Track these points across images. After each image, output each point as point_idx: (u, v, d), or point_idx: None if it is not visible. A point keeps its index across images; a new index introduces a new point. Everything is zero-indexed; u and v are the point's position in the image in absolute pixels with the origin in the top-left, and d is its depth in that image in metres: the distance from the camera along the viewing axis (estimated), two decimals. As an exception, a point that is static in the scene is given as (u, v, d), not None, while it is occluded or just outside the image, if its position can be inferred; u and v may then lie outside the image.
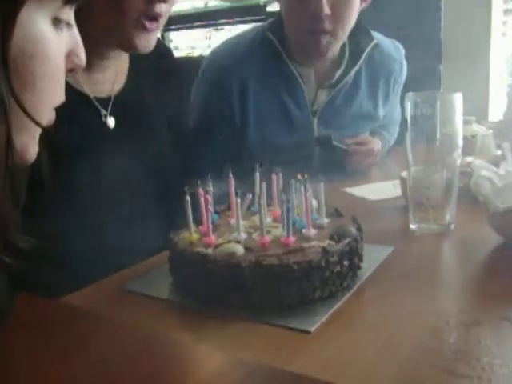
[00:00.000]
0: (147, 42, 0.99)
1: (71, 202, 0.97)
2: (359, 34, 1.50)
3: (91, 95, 1.03)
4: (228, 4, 3.18)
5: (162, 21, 1.01)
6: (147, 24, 0.96)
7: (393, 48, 1.60)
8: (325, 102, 1.48)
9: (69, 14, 0.53)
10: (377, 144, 1.52)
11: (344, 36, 1.43)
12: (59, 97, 0.54)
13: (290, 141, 1.45)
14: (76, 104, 0.99)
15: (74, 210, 0.98)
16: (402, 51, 1.62)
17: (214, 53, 1.52)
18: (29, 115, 0.48)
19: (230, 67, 1.43)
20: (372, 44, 1.50)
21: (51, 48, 0.50)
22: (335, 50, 1.45)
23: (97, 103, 1.03)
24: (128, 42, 0.98)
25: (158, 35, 1.05)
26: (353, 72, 1.48)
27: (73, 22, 0.54)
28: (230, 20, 3.15)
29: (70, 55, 0.54)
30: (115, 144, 1.03)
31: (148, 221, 1.09)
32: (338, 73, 1.48)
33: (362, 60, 1.49)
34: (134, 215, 1.06)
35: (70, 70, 0.55)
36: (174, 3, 1.01)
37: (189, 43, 3.85)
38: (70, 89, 0.97)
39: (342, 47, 1.49)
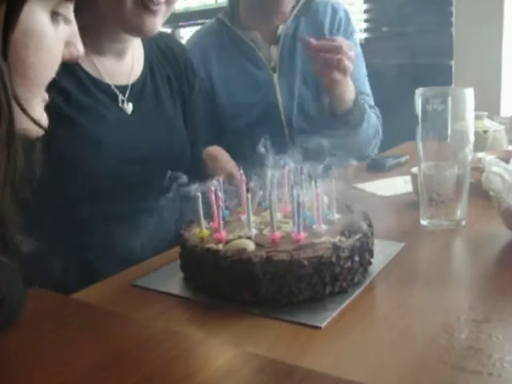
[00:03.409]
0: (152, 24, 1.00)
1: (85, 191, 0.98)
2: None
3: (111, 83, 1.05)
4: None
5: (168, 6, 1.02)
6: (150, 5, 0.97)
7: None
8: (278, 56, 1.60)
9: (67, 9, 0.56)
10: (344, 42, 1.39)
11: None
12: (49, 79, 0.57)
13: (256, 98, 1.57)
14: (95, 91, 1.01)
15: (87, 199, 0.98)
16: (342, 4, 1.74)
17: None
18: (21, 107, 0.51)
19: (192, 47, 1.61)
20: None
21: (47, 39, 0.53)
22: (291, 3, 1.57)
23: (115, 89, 1.05)
24: (132, 24, 0.99)
25: (169, 31, 1.06)
26: (289, 22, 1.59)
27: (71, 16, 0.58)
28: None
29: (68, 46, 0.58)
30: (132, 130, 1.04)
31: (161, 213, 1.09)
32: (282, 26, 1.59)
33: (296, 10, 1.60)
34: (146, 206, 1.07)
35: (69, 60, 0.59)
36: None
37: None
38: (89, 79, 1.00)
39: None
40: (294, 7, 1.60)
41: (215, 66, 1.60)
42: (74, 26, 0.59)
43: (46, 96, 0.58)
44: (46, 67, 0.55)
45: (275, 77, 1.59)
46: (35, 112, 0.56)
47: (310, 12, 1.63)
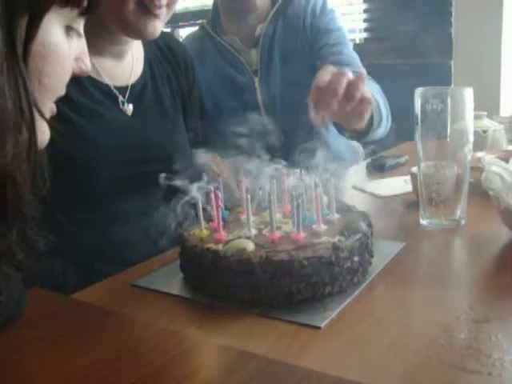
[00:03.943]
0: (153, 27, 1.00)
1: (85, 192, 0.98)
2: None
3: (110, 84, 1.05)
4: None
5: (168, 9, 1.02)
6: (152, 9, 0.97)
7: None
8: (258, 59, 1.61)
9: (80, 24, 0.59)
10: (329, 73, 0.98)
11: None
12: (60, 92, 0.59)
13: (239, 103, 1.58)
14: (95, 92, 1.01)
15: (87, 200, 0.98)
16: None
17: None
18: (41, 113, 0.53)
19: None
20: None
21: (61, 52, 0.55)
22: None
23: (115, 90, 1.05)
24: (133, 28, 0.99)
25: (168, 30, 1.07)
26: (267, 23, 1.59)
27: (82, 32, 0.60)
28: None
29: (78, 61, 0.60)
30: (133, 131, 1.05)
31: (161, 213, 1.09)
32: (259, 28, 1.60)
33: (273, 11, 1.60)
34: (146, 207, 1.07)
35: (78, 74, 0.61)
36: None
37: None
38: (89, 80, 1.01)
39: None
40: (272, 8, 1.61)
41: (199, 73, 1.59)
42: (83, 43, 0.61)
43: (54, 108, 0.59)
44: (58, 79, 0.57)
45: (257, 80, 1.60)
46: (43, 122, 0.57)
47: (288, 11, 1.63)
